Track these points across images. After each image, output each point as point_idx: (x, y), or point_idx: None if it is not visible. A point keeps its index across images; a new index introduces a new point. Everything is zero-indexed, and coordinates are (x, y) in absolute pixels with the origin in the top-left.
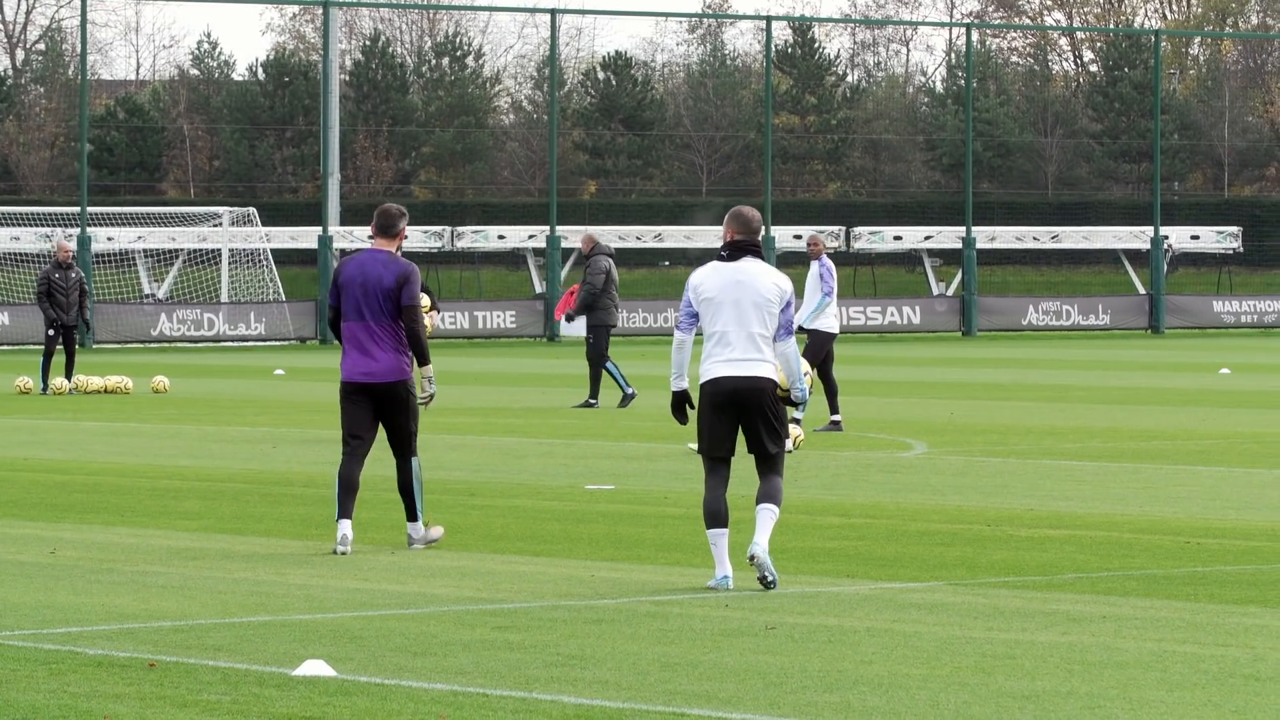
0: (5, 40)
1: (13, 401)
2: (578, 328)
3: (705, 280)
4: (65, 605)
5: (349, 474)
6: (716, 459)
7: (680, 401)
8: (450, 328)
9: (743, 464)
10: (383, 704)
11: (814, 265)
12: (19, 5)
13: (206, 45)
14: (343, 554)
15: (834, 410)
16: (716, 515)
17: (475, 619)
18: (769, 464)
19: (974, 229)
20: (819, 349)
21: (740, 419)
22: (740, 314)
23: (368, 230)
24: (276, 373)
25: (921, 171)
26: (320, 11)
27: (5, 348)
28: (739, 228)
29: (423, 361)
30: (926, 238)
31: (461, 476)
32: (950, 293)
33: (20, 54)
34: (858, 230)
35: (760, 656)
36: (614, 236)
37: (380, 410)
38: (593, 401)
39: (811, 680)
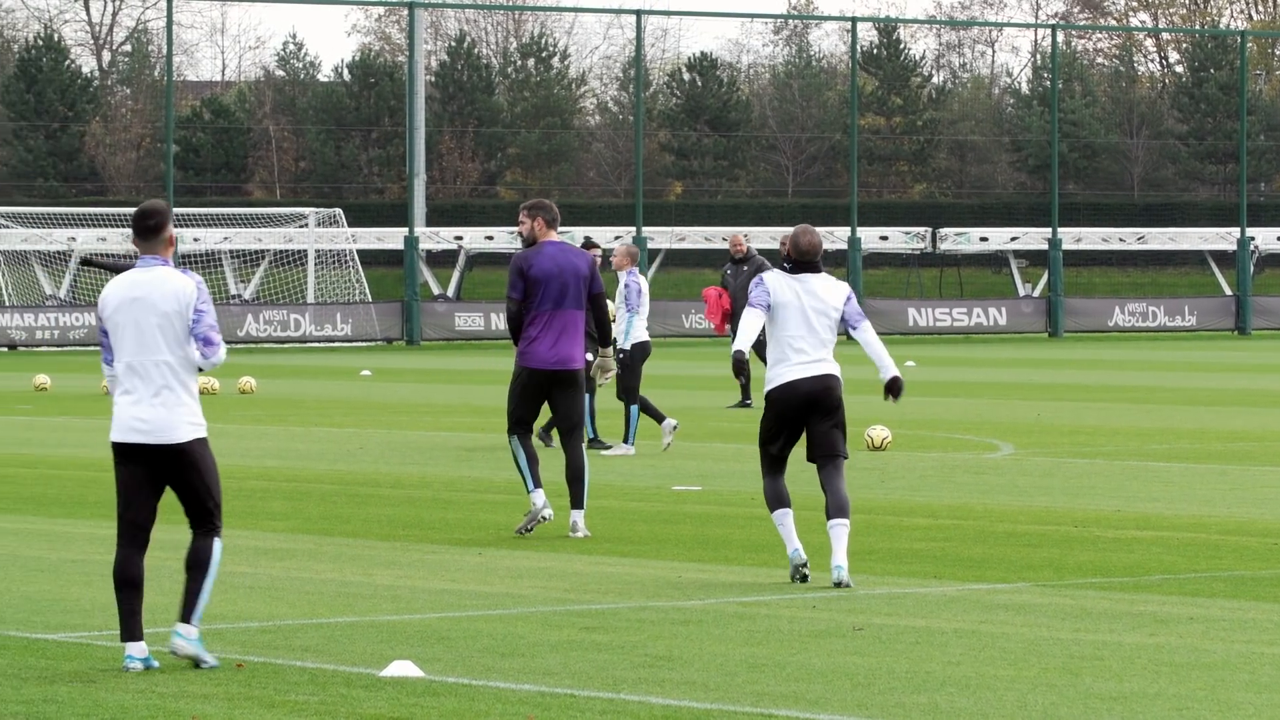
0: (92, 42)
1: (100, 402)
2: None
3: (777, 285)
4: (153, 606)
5: (531, 448)
6: (778, 458)
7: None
8: None
9: (749, 463)
10: (470, 704)
11: (621, 276)
12: (105, 7)
13: (292, 46)
14: (546, 519)
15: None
16: (781, 497)
17: (563, 620)
18: (836, 466)
19: (1060, 230)
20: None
21: (807, 420)
22: (807, 321)
23: (454, 231)
24: (363, 373)
25: (1007, 173)
26: (405, 12)
27: (92, 348)
28: (796, 252)
29: (607, 343)
30: (1012, 239)
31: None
32: (1036, 294)
33: (106, 55)
34: (943, 231)
35: (847, 658)
36: (700, 238)
37: (555, 395)
38: (748, 402)
39: (899, 681)
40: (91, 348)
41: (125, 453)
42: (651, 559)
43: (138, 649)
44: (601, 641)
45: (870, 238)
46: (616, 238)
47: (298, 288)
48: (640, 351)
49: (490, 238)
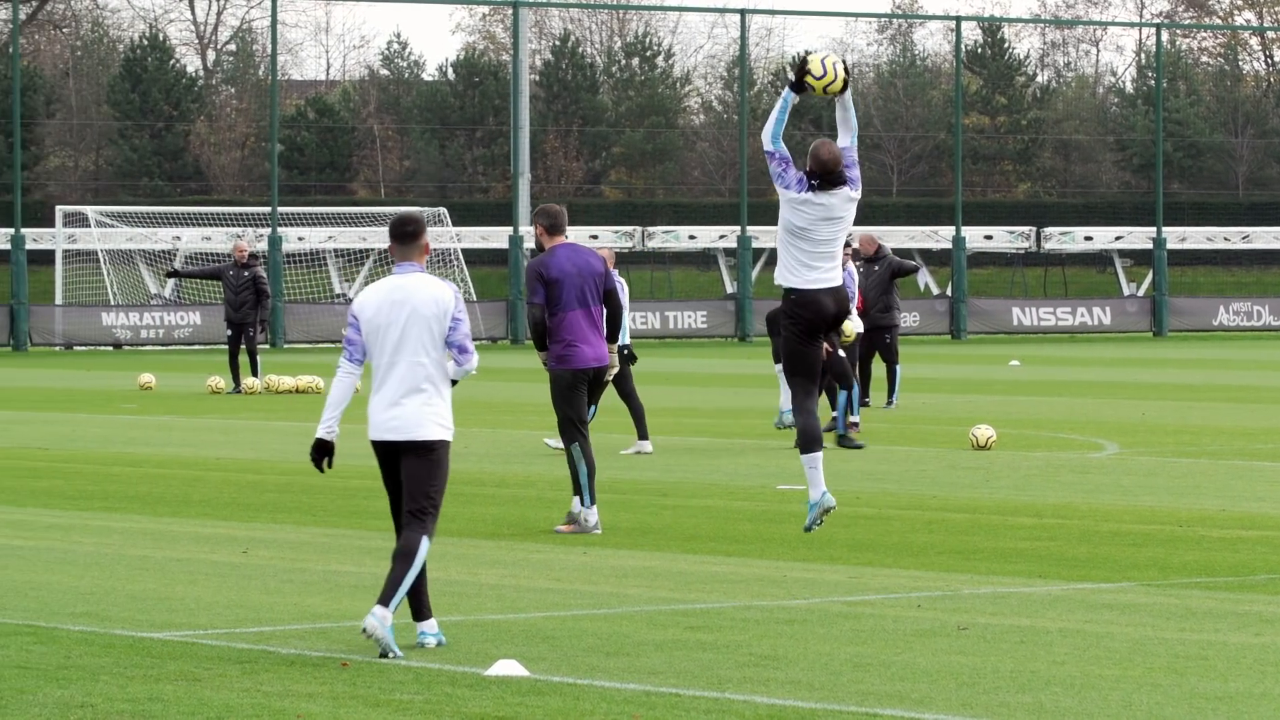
0: (196, 41)
1: (205, 401)
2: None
3: (806, 202)
4: (258, 604)
5: (593, 457)
6: (810, 378)
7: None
8: (641, 327)
9: (854, 462)
10: (575, 704)
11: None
12: (210, 6)
13: (396, 45)
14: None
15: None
16: (816, 437)
17: (668, 619)
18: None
19: (1165, 229)
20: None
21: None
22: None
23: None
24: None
25: (1112, 172)
26: (510, 11)
27: (197, 347)
28: (816, 165)
29: (615, 340)
30: (1117, 238)
31: (653, 477)
32: (1141, 293)
33: (211, 55)
34: (1048, 231)
35: (952, 657)
36: None
37: (589, 392)
38: (865, 400)
39: (1004, 681)
40: (195, 347)
41: (379, 449)
42: (756, 558)
43: (429, 626)
44: (706, 641)
45: (975, 237)
46: (721, 237)
47: None
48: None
49: (595, 237)
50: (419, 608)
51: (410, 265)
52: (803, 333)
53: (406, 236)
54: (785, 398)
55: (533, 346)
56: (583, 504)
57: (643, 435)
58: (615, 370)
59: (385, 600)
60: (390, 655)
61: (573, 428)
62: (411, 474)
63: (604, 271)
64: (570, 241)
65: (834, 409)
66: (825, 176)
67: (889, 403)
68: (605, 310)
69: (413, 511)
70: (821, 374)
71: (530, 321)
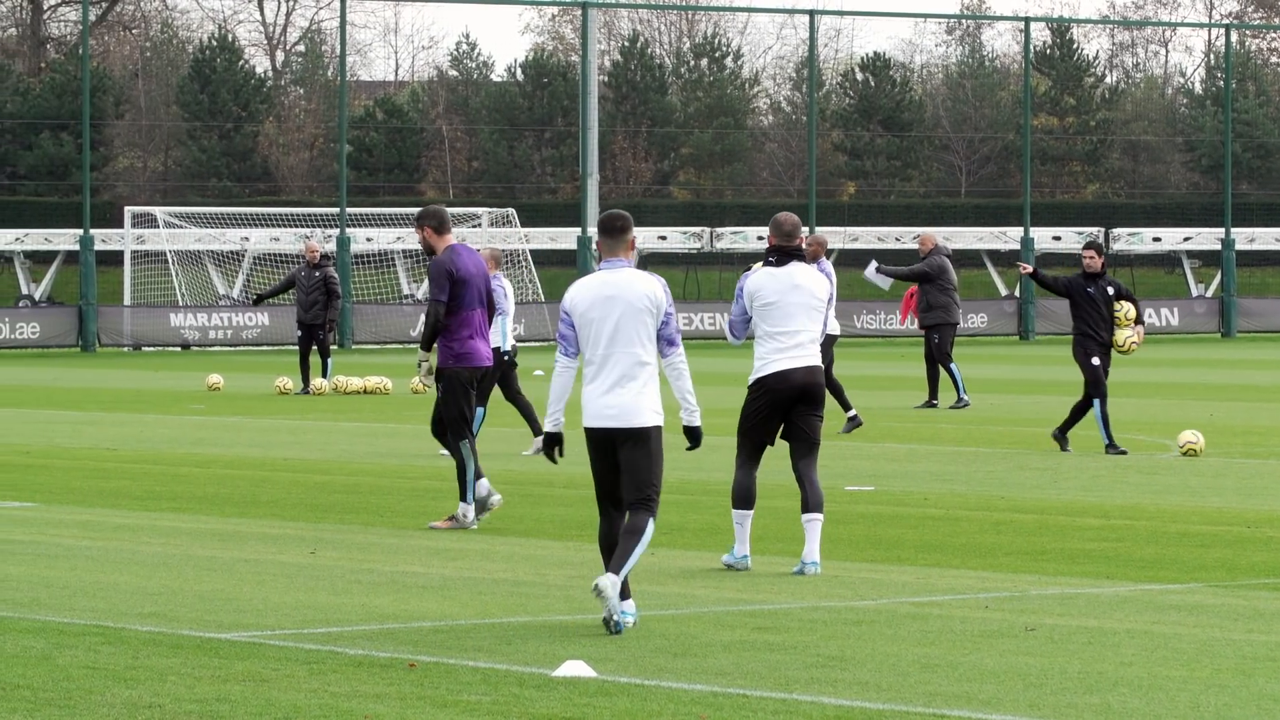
0: (265, 42)
1: (273, 402)
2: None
3: (764, 285)
4: (326, 605)
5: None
6: (759, 446)
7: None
8: (710, 329)
9: (923, 463)
10: (643, 704)
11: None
12: (279, 7)
13: (465, 46)
14: (496, 504)
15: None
16: (749, 498)
17: (735, 620)
18: (814, 455)
19: (1233, 230)
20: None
21: (791, 410)
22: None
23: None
24: (536, 373)
25: (1180, 173)
26: (579, 12)
27: (265, 348)
28: (777, 235)
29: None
30: (1185, 239)
31: (720, 478)
32: (1209, 294)
33: (280, 55)
34: (1117, 231)
35: (1020, 658)
36: (873, 238)
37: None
38: (934, 402)
39: (1071, 682)
40: (264, 348)
41: (595, 437)
42: (824, 559)
43: (628, 605)
44: (774, 641)
45: (1043, 238)
46: None
47: None
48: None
49: (663, 238)
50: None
51: (619, 260)
52: (766, 406)
53: (616, 231)
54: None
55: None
56: (464, 500)
57: (537, 433)
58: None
59: (616, 569)
60: (613, 621)
61: (465, 426)
62: (631, 463)
63: (487, 276)
64: (459, 243)
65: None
66: (784, 251)
67: (959, 401)
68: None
69: (638, 500)
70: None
71: (433, 316)
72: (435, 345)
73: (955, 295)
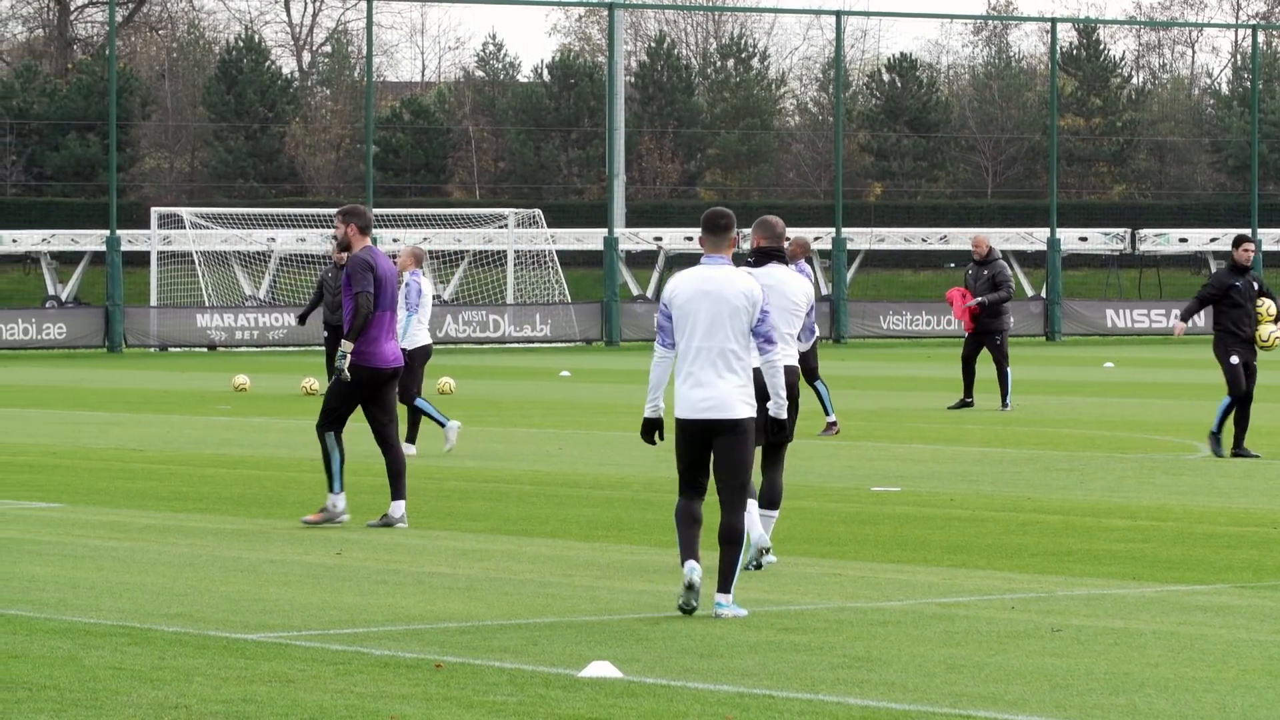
0: (292, 43)
1: (299, 403)
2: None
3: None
4: (352, 606)
5: (344, 448)
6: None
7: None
8: None
9: (949, 464)
10: (669, 705)
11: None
12: (305, 8)
13: (492, 47)
14: (343, 522)
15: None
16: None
17: (761, 621)
18: (780, 455)
19: (1260, 231)
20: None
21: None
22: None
23: (654, 231)
24: (562, 374)
25: (1207, 173)
26: (605, 13)
27: (291, 348)
28: (768, 236)
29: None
30: (1212, 240)
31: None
32: None
33: (307, 56)
34: (1143, 232)
35: (1046, 659)
36: (899, 239)
37: (385, 392)
38: (969, 400)
39: (1097, 683)
40: (290, 348)
41: (688, 427)
42: (850, 560)
43: (696, 565)
44: (800, 642)
45: (1070, 239)
46: (816, 239)
47: (497, 288)
48: (421, 355)
49: (690, 239)
50: (694, 551)
51: (719, 258)
52: None
53: (719, 229)
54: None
55: (646, 346)
56: (332, 491)
57: (411, 440)
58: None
59: (726, 586)
60: (690, 607)
61: (338, 421)
62: (726, 454)
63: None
64: (373, 245)
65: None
66: (765, 252)
67: (1004, 405)
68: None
69: (732, 488)
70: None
71: (365, 307)
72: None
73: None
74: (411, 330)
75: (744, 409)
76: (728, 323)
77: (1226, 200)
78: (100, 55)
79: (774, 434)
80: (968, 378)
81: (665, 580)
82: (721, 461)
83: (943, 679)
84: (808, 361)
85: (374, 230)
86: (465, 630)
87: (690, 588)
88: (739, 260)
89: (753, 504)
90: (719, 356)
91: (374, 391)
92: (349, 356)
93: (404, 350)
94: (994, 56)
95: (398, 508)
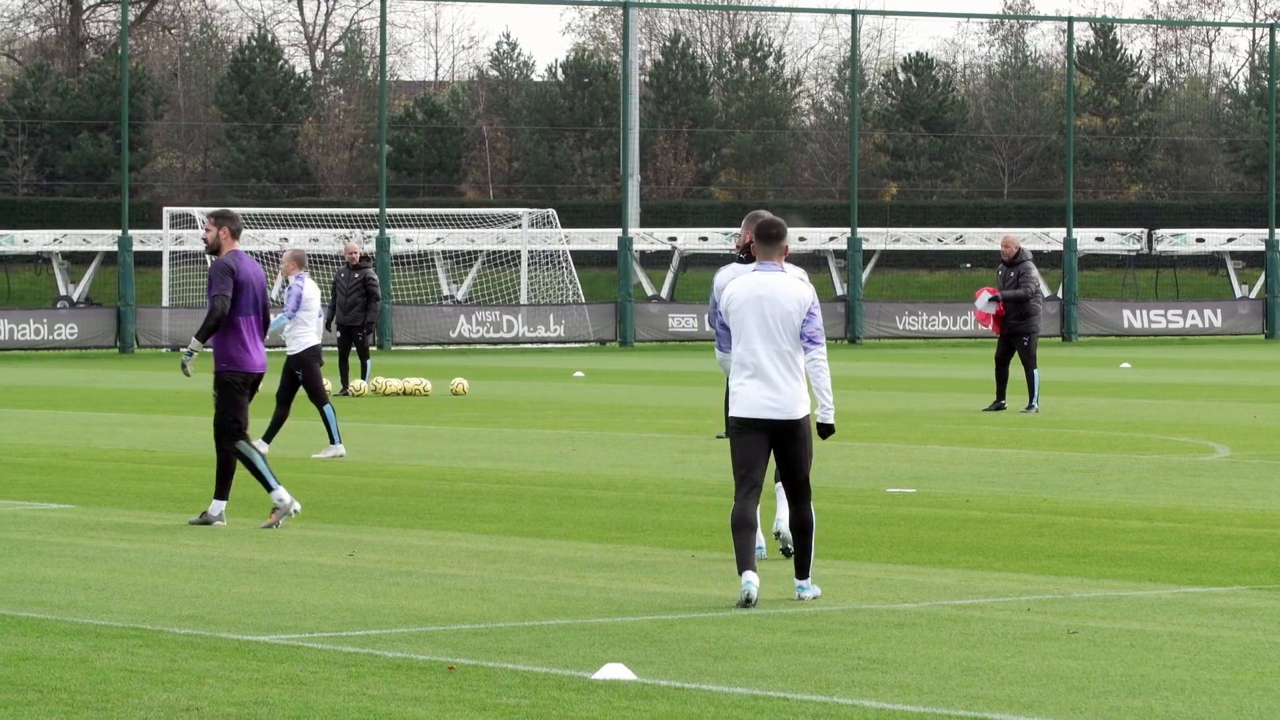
0: (305, 42)
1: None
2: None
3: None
4: (364, 608)
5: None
6: None
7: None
8: None
9: (964, 465)
10: (683, 708)
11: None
12: (319, 7)
13: (506, 46)
14: (296, 511)
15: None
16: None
17: (776, 622)
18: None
19: (1278, 231)
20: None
21: None
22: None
23: (669, 231)
24: (576, 375)
25: (1224, 173)
26: (620, 12)
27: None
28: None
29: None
30: (1229, 240)
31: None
32: (1253, 295)
33: (320, 55)
34: (1160, 232)
35: (1062, 661)
36: (915, 239)
37: (250, 397)
38: (1002, 404)
39: (1114, 685)
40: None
41: (747, 425)
42: (865, 561)
43: (754, 577)
44: (815, 644)
45: (1086, 239)
46: (831, 239)
47: (511, 288)
48: (311, 355)
49: (704, 239)
50: (749, 561)
51: (772, 265)
52: None
53: (772, 239)
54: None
55: (660, 347)
56: (271, 489)
57: (267, 439)
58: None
59: (804, 573)
60: (753, 600)
61: (238, 428)
62: (791, 452)
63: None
64: (240, 250)
65: None
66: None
67: (1029, 407)
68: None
69: (799, 483)
70: None
71: (219, 310)
72: (210, 342)
73: (1042, 300)
74: (296, 333)
75: (804, 409)
76: (782, 326)
77: (1244, 200)
78: (112, 54)
79: (823, 437)
80: (1000, 380)
81: (679, 582)
82: (786, 459)
83: (958, 681)
84: None
85: (388, 230)
86: (478, 632)
87: (748, 602)
88: (735, 258)
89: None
90: (779, 358)
91: (247, 395)
92: (195, 355)
93: (293, 355)
94: (1010, 56)
95: (217, 506)
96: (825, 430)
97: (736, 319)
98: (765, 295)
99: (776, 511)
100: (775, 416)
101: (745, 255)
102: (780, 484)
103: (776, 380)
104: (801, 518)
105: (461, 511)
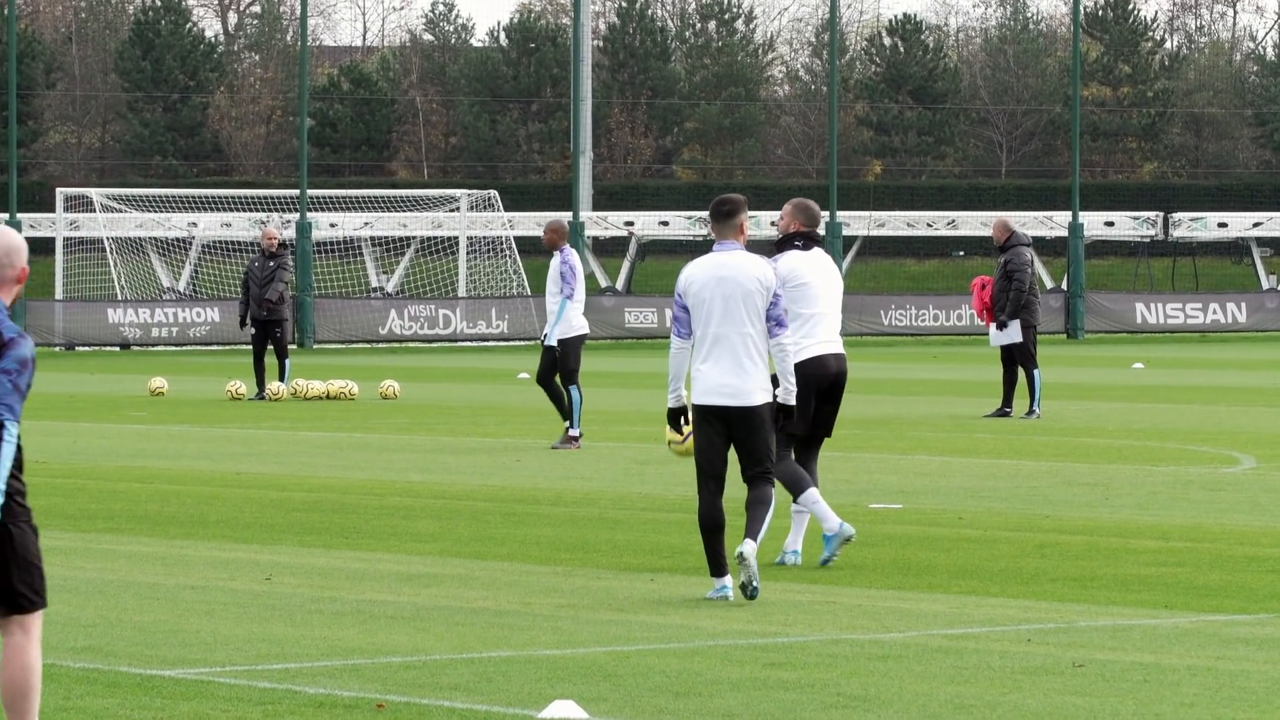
0: (216, 3)
1: (225, 409)
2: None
3: (799, 267)
4: (283, 638)
5: None
6: (792, 435)
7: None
8: None
9: (956, 478)
10: None
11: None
12: None
13: (442, 7)
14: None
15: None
16: (801, 481)
17: (745, 654)
18: (818, 448)
19: None
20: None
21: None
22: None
23: (625, 215)
24: (520, 376)
25: (1249, 150)
26: None
27: (215, 347)
28: (805, 220)
29: None
30: (1255, 224)
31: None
32: None
33: (233, 18)
34: (1177, 216)
35: (1067, 698)
36: (901, 223)
37: None
38: (1007, 410)
39: None
40: (213, 347)
41: (707, 413)
42: (845, 586)
43: (728, 580)
44: (788, 679)
45: (1094, 223)
46: None
47: (447, 279)
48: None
49: (665, 223)
50: (721, 566)
51: (730, 244)
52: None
53: (723, 216)
54: None
55: (616, 345)
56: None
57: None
58: None
59: (753, 535)
60: (750, 587)
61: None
62: (747, 440)
63: None
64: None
65: None
66: (810, 236)
67: (1030, 412)
68: None
69: (757, 474)
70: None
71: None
72: None
73: (1037, 292)
74: (569, 315)
75: (761, 396)
76: (742, 308)
77: (1272, 180)
78: None
79: (783, 420)
80: (1007, 383)
81: (636, 609)
82: (743, 448)
83: None
84: None
85: (310, 214)
86: (410, 665)
87: (727, 598)
88: (785, 244)
89: (815, 492)
90: (736, 343)
91: None
92: None
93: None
94: (1009, 18)
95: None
96: (787, 412)
97: (696, 301)
98: (726, 276)
99: (790, 533)
100: (730, 403)
101: (801, 240)
102: (794, 505)
103: (736, 364)
104: (762, 495)
105: (392, 530)
